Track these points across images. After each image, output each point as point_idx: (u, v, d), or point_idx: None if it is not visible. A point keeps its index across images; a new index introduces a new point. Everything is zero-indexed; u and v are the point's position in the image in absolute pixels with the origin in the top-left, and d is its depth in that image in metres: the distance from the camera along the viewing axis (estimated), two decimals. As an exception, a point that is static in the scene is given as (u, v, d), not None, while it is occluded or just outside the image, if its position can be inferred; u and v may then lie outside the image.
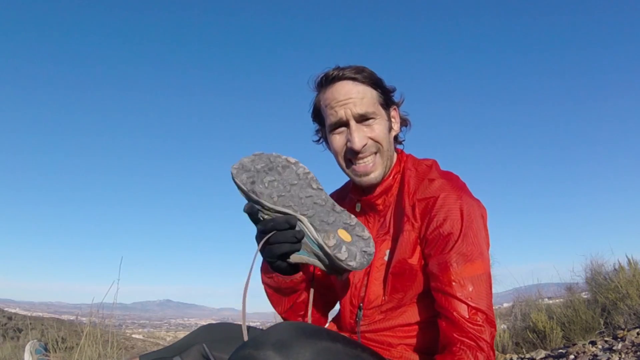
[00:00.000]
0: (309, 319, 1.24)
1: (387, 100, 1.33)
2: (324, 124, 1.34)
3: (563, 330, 4.32)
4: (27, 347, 2.37)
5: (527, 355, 3.85)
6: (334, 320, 1.42)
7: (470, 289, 1.11)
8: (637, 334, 3.48)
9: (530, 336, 4.35)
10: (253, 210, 1.12)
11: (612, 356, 3.05)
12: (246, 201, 1.13)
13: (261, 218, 1.13)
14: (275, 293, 1.29)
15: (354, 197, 1.38)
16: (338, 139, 1.30)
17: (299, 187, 1.14)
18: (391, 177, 1.33)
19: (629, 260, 4.75)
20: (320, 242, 1.08)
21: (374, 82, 1.29)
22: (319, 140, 1.42)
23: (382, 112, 1.30)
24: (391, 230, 1.29)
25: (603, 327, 4.28)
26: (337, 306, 1.45)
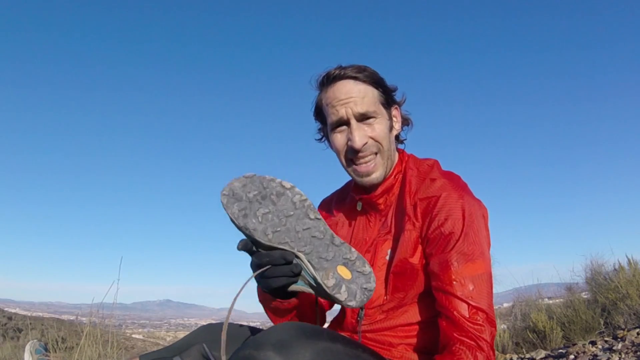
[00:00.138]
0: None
1: (389, 99, 1.33)
2: (326, 122, 1.34)
3: (563, 330, 4.32)
4: (27, 347, 2.37)
5: (527, 355, 3.85)
6: (335, 320, 1.42)
7: (471, 288, 1.11)
8: (637, 334, 3.47)
9: (530, 336, 4.35)
10: (247, 248, 1.06)
11: (612, 356, 3.05)
12: (236, 228, 1.05)
13: (256, 250, 1.06)
14: (270, 312, 1.29)
15: (356, 196, 1.38)
16: (339, 138, 1.30)
17: (295, 218, 1.05)
18: (393, 177, 1.34)
19: (629, 260, 4.76)
20: (319, 281, 1.01)
21: (375, 82, 1.29)
22: (321, 138, 1.43)
23: (383, 111, 1.31)
24: (392, 230, 1.29)
25: (603, 327, 4.28)
26: (338, 305, 1.45)
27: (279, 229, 1.03)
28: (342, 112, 1.26)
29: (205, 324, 1.42)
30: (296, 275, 1.04)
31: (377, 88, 1.29)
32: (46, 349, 2.45)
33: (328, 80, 1.30)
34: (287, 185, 1.08)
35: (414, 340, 1.23)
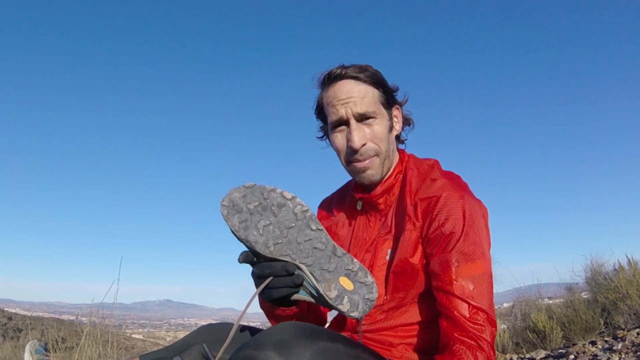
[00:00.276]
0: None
1: (389, 99, 1.33)
2: (327, 121, 1.34)
3: (563, 330, 4.32)
4: (27, 347, 2.37)
5: (527, 355, 3.85)
6: (335, 320, 1.42)
7: (471, 288, 1.11)
8: (637, 334, 3.48)
9: (530, 336, 4.35)
10: (248, 260, 1.05)
11: (612, 356, 3.05)
12: (237, 240, 1.04)
13: (257, 261, 1.05)
14: (271, 319, 1.29)
15: (356, 195, 1.38)
16: (339, 138, 1.31)
17: (296, 229, 1.04)
18: (393, 177, 1.34)
19: (629, 260, 4.75)
20: (322, 292, 1.01)
21: (376, 82, 1.29)
22: (322, 137, 1.43)
23: (384, 111, 1.31)
24: (393, 230, 1.29)
25: (603, 327, 4.28)
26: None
27: (280, 240, 1.02)
28: (342, 112, 1.27)
29: (205, 324, 1.42)
30: (298, 286, 1.04)
31: (377, 88, 1.29)
32: (46, 349, 2.45)
33: (329, 80, 1.30)
34: (288, 195, 1.06)
35: (414, 340, 1.23)
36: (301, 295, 1.06)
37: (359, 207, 1.40)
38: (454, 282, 1.11)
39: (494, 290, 1.19)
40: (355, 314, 1.01)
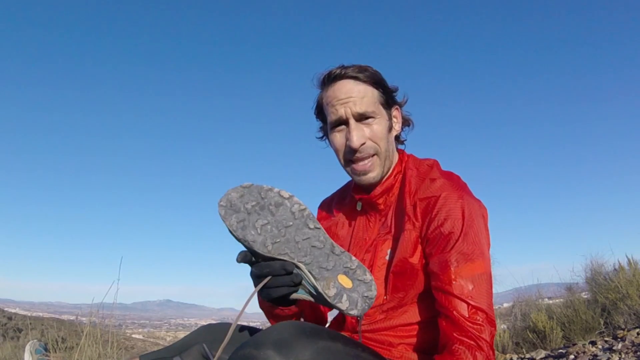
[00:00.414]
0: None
1: (389, 100, 1.33)
2: (327, 121, 1.35)
3: (563, 330, 4.32)
4: (27, 347, 2.37)
5: (527, 355, 3.85)
6: (335, 319, 1.42)
7: (471, 288, 1.11)
8: (637, 334, 3.48)
9: (530, 336, 4.35)
10: (247, 260, 1.05)
11: (612, 356, 3.05)
12: (235, 239, 1.05)
13: (255, 261, 1.06)
14: (271, 319, 1.30)
15: (356, 196, 1.39)
16: (338, 137, 1.31)
17: (294, 228, 1.04)
18: (392, 177, 1.34)
19: (629, 260, 4.76)
20: (320, 290, 1.01)
21: (376, 82, 1.29)
22: (322, 137, 1.43)
23: (383, 111, 1.31)
24: (392, 230, 1.30)
25: (603, 327, 4.28)
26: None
27: (278, 240, 1.03)
28: (342, 111, 1.27)
29: (205, 324, 1.42)
30: (297, 285, 1.04)
31: (377, 88, 1.30)
32: (46, 349, 2.45)
33: (329, 80, 1.31)
34: (286, 194, 1.07)
35: (413, 340, 1.23)
36: (300, 294, 1.06)
37: (358, 208, 1.40)
38: (453, 282, 1.12)
39: (494, 290, 1.19)
40: (354, 312, 1.01)
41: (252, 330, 1.32)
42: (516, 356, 3.99)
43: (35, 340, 2.46)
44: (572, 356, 3.31)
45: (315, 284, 1.02)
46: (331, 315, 1.50)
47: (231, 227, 1.02)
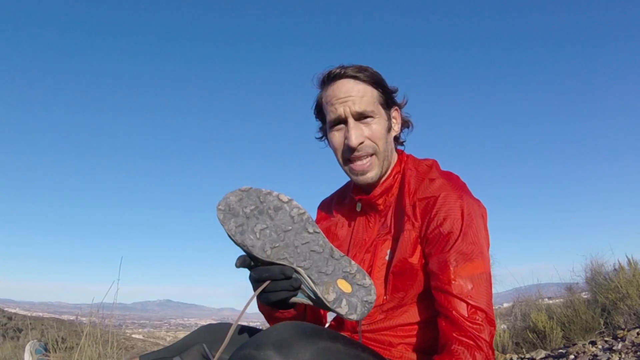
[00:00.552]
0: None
1: (388, 100, 1.33)
2: (326, 120, 1.35)
3: (563, 330, 4.32)
4: (27, 347, 2.37)
5: (527, 355, 3.85)
6: (335, 320, 1.42)
7: (470, 288, 1.11)
8: (637, 334, 3.48)
9: (530, 336, 4.35)
10: (246, 264, 1.05)
11: (612, 356, 3.05)
12: (233, 243, 1.04)
13: (254, 265, 1.05)
14: (270, 322, 1.30)
15: (355, 197, 1.39)
16: (337, 136, 1.31)
17: (293, 232, 1.03)
18: (391, 177, 1.34)
19: (629, 260, 4.76)
20: (320, 295, 1.00)
21: (375, 82, 1.29)
22: (321, 137, 1.43)
23: (382, 111, 1.31)
24: (392, 230, 1.30)
25: (603, 327, 4.28)
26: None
27: (277, 244, 1.02)
28: (341, 110, 1.27)
29: (205, 324, 1.42)
30: (296, 289, 1.03)
31: (376, 88, 1.30)
32: (46, 349, 2.45)
33: (328, 79, 1.31)
34: (285, 198, 1.06)
35: (413, 340, 1.23)
36: (299, 298, 1.05)
37: (358, 209, 1.40)
38: (453, 282, 1.12)
39: (494, 290, 1.19)
40: (353, 317, 1.01)
41: (252, 331, 1.32)
42: (516, 356, 3.99)
43: (35, 340, 2.46)
44: (572, 356, 3.31)
45: (315, 288, 1.01)
46: (330, 315, 1.50)
47: (230, 232, 1.02)
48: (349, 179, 1.45)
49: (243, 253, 1.05)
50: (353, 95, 1.26)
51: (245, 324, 1.40)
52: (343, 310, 1.00)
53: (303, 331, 0.91)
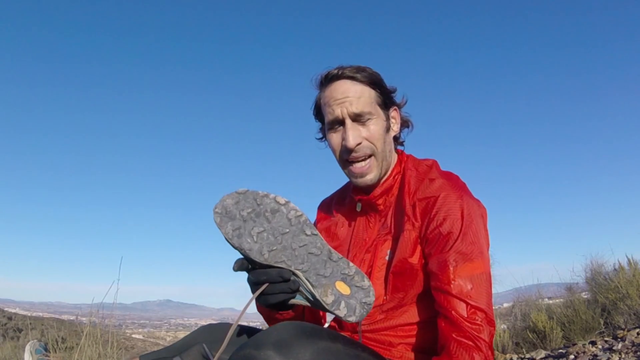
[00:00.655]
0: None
1: (387, 100, 1.33)
2: (325, 121, 1.35)
3: (563, 330, 4.32)
4: (27, 347, 2.37)
5: (527, 355, 3.85)
6: (335, 320, 1.42)
7: (470, 288, 1.11)
8: (637, 334, 3.48)
9: (530, 336, 4.35)
10: (244, 267, 1.04)
11: (612, 356, 3.05)
12: (231, 247, 1.04)
13: (252, 268, 1.05)
14: (269, 321, 1.30)
15: (355, 197, 1.39)
16: (334, 137, 1.31)
17: (291, 235, 1.03)
18: (391, 178, 1.34)
19: (629, 260, 4.75)
20: (318, 297, 1.00)
21: (373, 82, 1.29)
22: (321, 138, 1.43)
23: (380, 112, 1.31)
24: (392, 230, 1.30)
25: (603, 327, 4.28)
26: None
27: (274, 247, 1.02)
28: (338, 111, 1.27)
29: (205, 324, 1.42)
30: (294, 291, 1.03)
31: (374, 89, 1.30)
32: (46, 349, 2.45)
33: (326, 80, 1.31)
34: (282, 200, 1.05)
35: (413, 340, 1.23)
36: (298, 300, 1.05)
37: (358, 209, 1.40)
38: (452, 282, 1.12)
39: (494, 290, 1.19)
40: (352, 319, 1.00)
41: (252, 331, 1.32)
42: (516, 356, 3.99)
43: (35, 340, 2.46)
44: (572, 356, 3.31)
45: (313, 291, 1.01)
46: (330, 315, 1.50)
47: (227, 235, 1.01)
48: (349, 179, 1.45)
49: (241, 256, 1.04)
50: (350, 96, 1.26)
51: (245, 324, 1.40)
52: (342, 312, 1.00)
53: (303, 331, 0.91)
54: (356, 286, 1.03)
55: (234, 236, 1.01)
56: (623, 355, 3.02)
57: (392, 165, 1.36)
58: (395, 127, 1.37)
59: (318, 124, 1.43)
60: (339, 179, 1.55)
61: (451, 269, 1.13)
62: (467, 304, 1.09)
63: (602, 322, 4.28)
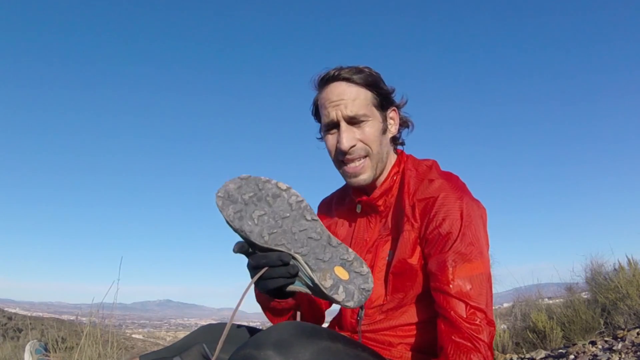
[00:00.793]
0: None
1: (384, 101, 1.32)
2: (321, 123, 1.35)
3: (563, 330, 4.32)
4: (27, 347, 2.37)
5: (527, 355, 3.85)
6: (335, 319, 1.42)
7: (469, 288, 1.11)
8: (637, 334, 3.48)
9: (530, 336, 4.35)
10: (243, 250, 1.06)
11: (612, 356, 3.05)
12: (232, 230, 1.05)
13: (252, 252, 1.06)
14: (267, 312, 1.30)
15: (355, 198, 1.39)
16: (330, 139, 1.31)
17: (291, 219, 1.05)
18: (390, 178, 1.34)
19: (629, 260, 4.75)
20: (317, 282, 1.01)
21: (369, 84, 1.28)
22: (321, 137, 1.43)
23: (376, 113, 1.30)
24: (392, 231, 1.30)
25: (603, 327, 4.28)
26: (338, 305, 1.45)
27: (275, 230, 1.03)
28: (333, 114, 1.27)
29: (205, 324, 1.42)
30: (293, 276, 1.04)
31: (371, 90, 1.29)
32: (46, 349, 2.45)
33: (323, 81, 1.31)
34: (283, 186, 1.07)
35: (413, 340, 1.24)
36: (296, 286, 1.06)
37: (358, 210, 1.40)
38: (451, 282, 1.12)
39: (494, 290, 1.19)
40: (350, 304, 1.01)
41: (252, 330, 1.32)
42: (516, 356, 3.99)
43: (35, 340, 2.46)
44: (572, 356, 3.31)
45: (312, 275, 1.02)
46: (330, 314, 1.50)
47: (228, 218, 1.03)
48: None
49: (241, 240, 1.06)
50: (345, 98, 1.26)
51: (245, 323, 1.40)
52: (340, 297, 1.01)
53: (303, 331, 0.91)
54: (355, 272, 1.04)
55: (235, 219, 1.02)
56: (623, 355, 3.02)
57: (390, 166, 1.36)
58: (393, 128, 1.37)
59: (318, 125, 1.44)
60: (339, 179, 1.55)
61: (450, 269, 1.13)
62: (467, 304, 1.09)
63: (602, 322, 4.28)
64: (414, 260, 1.22)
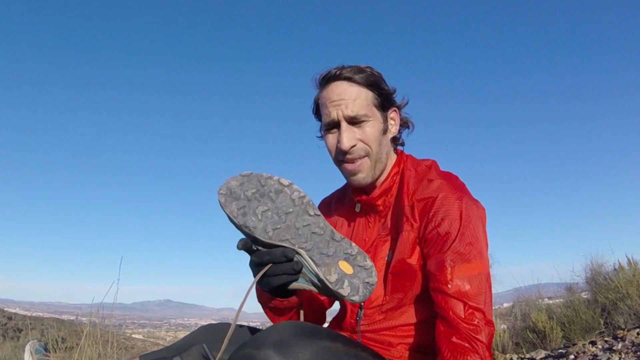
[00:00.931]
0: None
1: (385, 102, 1.32)
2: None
3: (563, 330, 4.32)
4: (27, 347, 2.37)
5: (527, 355, 3.85)
6: (334, 319, 1.42)
7: (467, 288, 1.11)
8: (637, 334, 3.48)
9: (530, 336, 4.35)
10: (247, 247, 1.05)
11: (612, 356, 3.05)
12: (235, 227, 1.05)
13: (255, 249, 1.06)
14: (269, 311, 1.29)
15: (355, 198, 1.38)
16: (330, 139, 1.31)
17: (294, 215, 1.05)
18: (390, 178, 1.34)
19: (629, 260, 4.75)
20: (322, 277, 1.01)
21: (370, 83, 1.28)
22: (322, 136, 1.43)
23: (377, 113, 1.30)
24: (391, 231, 1.30)
25: (603, 327, 4.27)
26: (337, 305, 1.45)
27: (279, 226, 1.03)
28: (334, 114, 1.27)
29: (205, 324, 1.42)
30: (297, 272, 1.04)
31: (372, 90, 1.29)
32: (46, 349, 2.45)
33: (324, 80, 1.31)
34: (285, 182, 1.08)
35: (413, 340, 1.24)
36: (300, 284, 1.06)
37: (357, 210, 1.40)
38: (450, 282, 1.12)
39: (494, 290, 1.19)
40: (355, 298, 1.01)
41: (252, 330, 1.32)
42: (516, 356, 3.99)
43: (35, 340, 2.45)
44: (572, 356, 3.31)
45: (317, 270, 1.02)
46: (330, 314, 1.50)
47: (231, 214, 1.02)
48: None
49: (244, 237, 1.05)
50: (346, 98, 1.26)
51: (245, 323, 1.40)
52: (345, 291, 1.00)
53: (303, 331, 0.91)
54: (359, 266, 1.04)
55: (239, 215, 1.02)
56: (623, 355, 3.02)
57: (390, 166, 1.36)
58: (393, 129, 1.36)
59: (319, 123, 1.44)
60: (339, 179, 1.55)
61: (449, 269, 1.13)
62: (465, 304, 1.09)
63: (602, 322, 4.28)
64: (413, 260, 1.22)
